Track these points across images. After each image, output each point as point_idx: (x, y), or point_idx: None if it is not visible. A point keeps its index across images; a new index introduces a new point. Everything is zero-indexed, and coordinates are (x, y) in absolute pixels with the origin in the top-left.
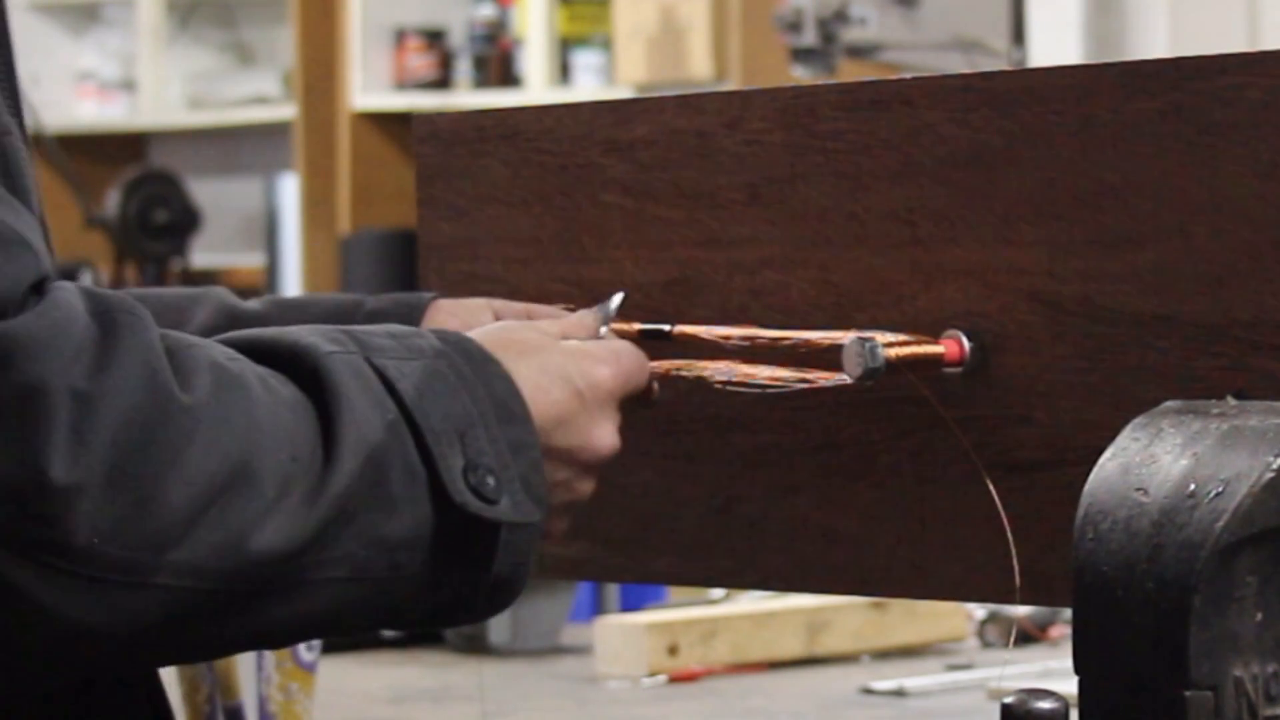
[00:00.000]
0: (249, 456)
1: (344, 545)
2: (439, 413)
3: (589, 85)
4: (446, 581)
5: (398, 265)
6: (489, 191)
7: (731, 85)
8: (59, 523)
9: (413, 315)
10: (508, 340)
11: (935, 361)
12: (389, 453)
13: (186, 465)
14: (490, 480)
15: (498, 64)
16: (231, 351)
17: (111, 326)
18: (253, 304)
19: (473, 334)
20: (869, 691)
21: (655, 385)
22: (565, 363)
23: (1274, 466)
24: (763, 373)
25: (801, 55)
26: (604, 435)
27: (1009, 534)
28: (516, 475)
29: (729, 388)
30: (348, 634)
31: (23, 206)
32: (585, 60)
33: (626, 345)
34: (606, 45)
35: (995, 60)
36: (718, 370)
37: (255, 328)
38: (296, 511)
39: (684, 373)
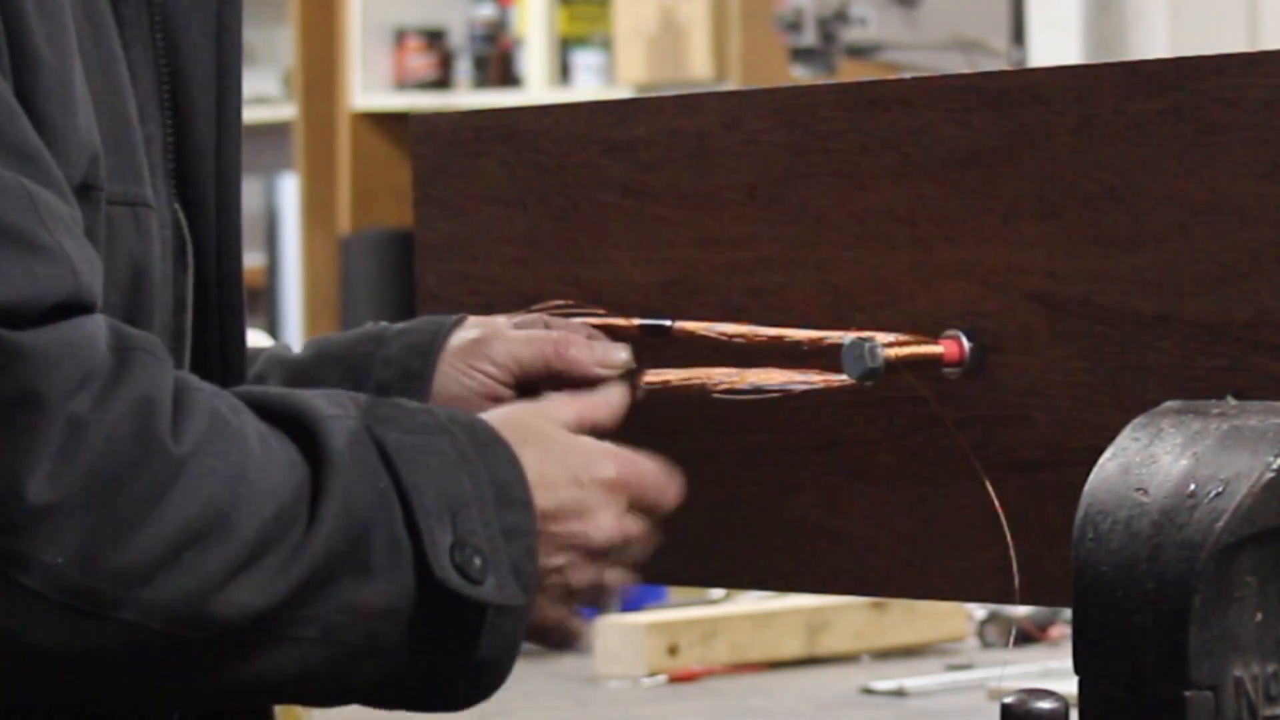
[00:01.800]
0: (230, 509)
1: (317, 607)
2: (433, 488)
3: (589, 85)
4: (426, 659)
5: (397, 265)
6: (487, 191)
7: (731, 85)
8: (30, 538)
9: (439, 334)
10: (516, 424)
11: (935, 361)
12: (375, 521)
13: (164, 508)
14: (477, 560)
15: (498, 64)
16: (238, 404)
17: (126, 362)
18: (298, 353)
19: (485, 416)
20: (869, 691)
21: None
22: (569, 455)
23: (1274, 466)
24: (762, 374)
25: (801, 55)
26: (603, 525)
27: (1009, 534)
28: (507, 559)
29: (730, 395)
30: (321, 703)
31: (93, 251)
32: (585, 60)
33: (641, 456)
34: (606, 45)
35: (995, 60)
36: (719, 376)
37: (294, 375)
38: (274, 569)
39: (688, 382)
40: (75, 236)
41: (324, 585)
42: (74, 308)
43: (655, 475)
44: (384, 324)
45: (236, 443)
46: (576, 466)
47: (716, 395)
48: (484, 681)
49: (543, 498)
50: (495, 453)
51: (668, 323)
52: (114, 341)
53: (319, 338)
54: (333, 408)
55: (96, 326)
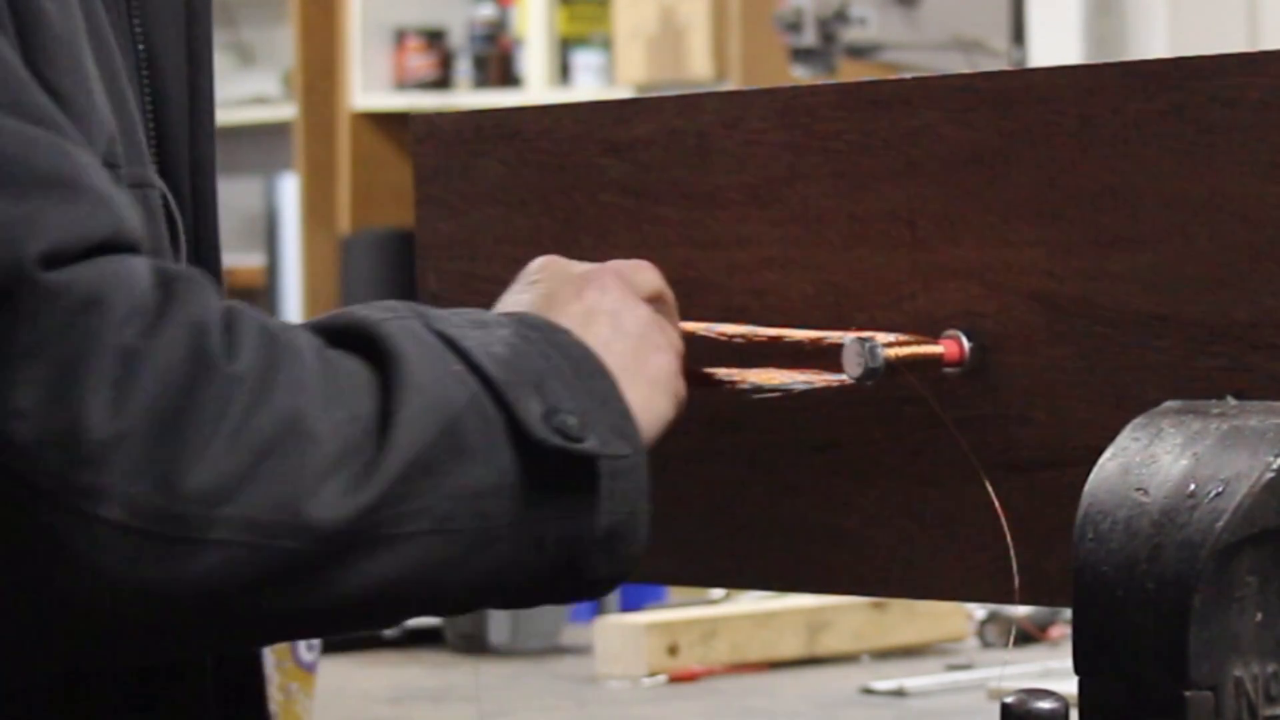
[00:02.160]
0: (300, 416)
1: (422, 498)
2: (509, 366)
3: (589, 85)
4: (548, 533)
5: (397, 265)
6: (487, 191)
7: (731, 85)
8: (102, 470)
9: None
10: (560, 313)
11: (935, 361)
12: (459, 402)
13: (231, 424)
14: (572, 420)
15: (498, 64)
16: (287, 323)
17: (171, 292)
18: None
19: (522, 307)
20: (869, 691)
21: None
22: (615, 314)
23: (1274, 466)
24: (762, 374)
25: (801, 55)
26: (664, 361)
27: (1008, 534)
28: (604, 422)
29: (731, 390)
30: (459, 602)
31: (124, 191)
32: (585, 60)
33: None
34: (606, 45)
35: (995, 60)
36: (719, 376)
37: None
38: (362, 467)
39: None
40: (109, 181)
41: (423, 475)
42: (117, 246)
43: (643, 268)
44: None
45: (292, 354)
46: (618, 312)
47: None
48: (619, 551)
49: (615, 361)
50: (556, 334)
51: None
52: (158, 277)
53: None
54: (383, 312)
55: (140, 262)
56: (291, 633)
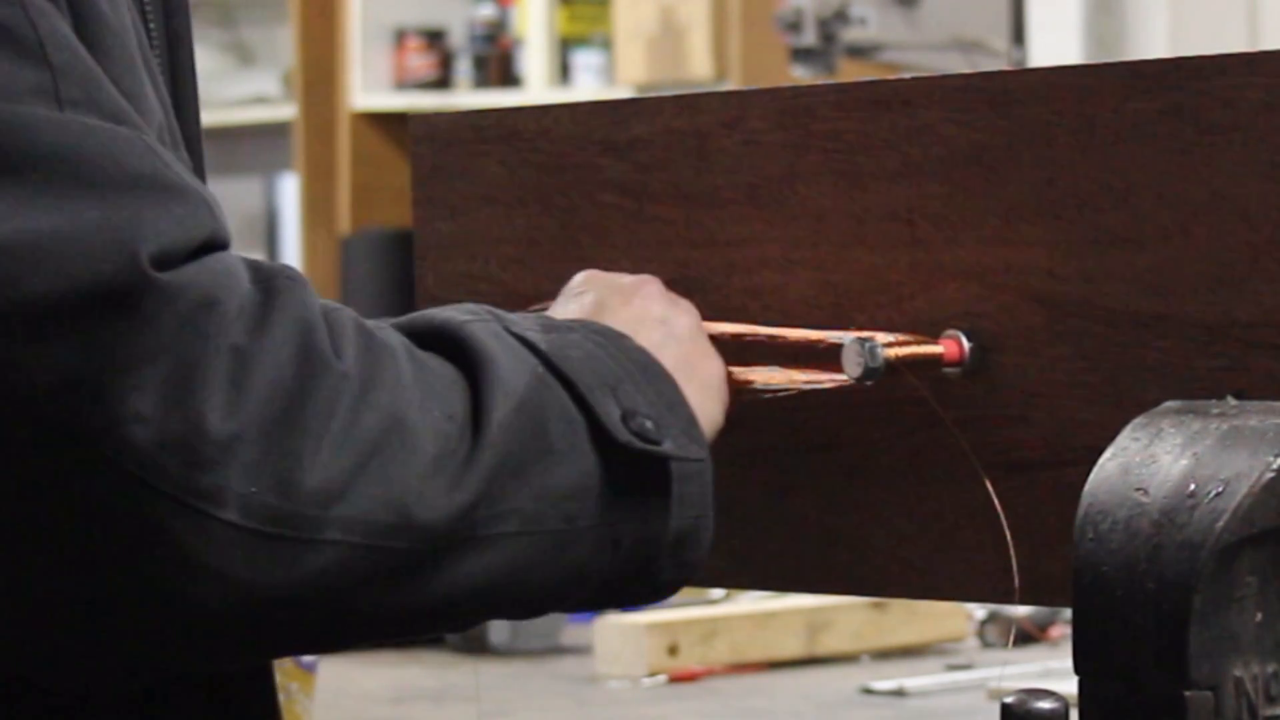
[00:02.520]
0: (403, 415)
1: (511, 499)
2: (586, 369)
3: (589, 85)
4: (625, 535)
5: (397, 265)
6: (486, 191)
7: (731, 85)
8: (219, 471)
9: None
10: (613, 319)
11: (935, 361)
12: (544, 405)
13: (340, 422)
14: (649, 424)
15: (498, 64)
16: (378, 321)
17: (272, 290)
18: None
19: (574, 315)
20: (869, 691)
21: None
22: (664, 315)
23: (1274, 466)
24: (762, 373)
25: (801, 55)
26: (714, 367)
27: (1009, 534)
28: (676, 425)
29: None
30: (538, 604)
31: (206, 187)
32: (585, 60)
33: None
34: (606, 45)
35: (995, 60)
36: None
37: None
38: (459, 467)
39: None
40: (196, 179)
41: (514, 475)
42: (215, 245)
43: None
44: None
45: (389, 353)
46: (669, 319)
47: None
48: (685, 556)
49: (670, 363)
50: (624, 341)
51: None
52: (254, 274)
53: None
54: (465, 315)
55: (237, 260)
56: (389, 632)
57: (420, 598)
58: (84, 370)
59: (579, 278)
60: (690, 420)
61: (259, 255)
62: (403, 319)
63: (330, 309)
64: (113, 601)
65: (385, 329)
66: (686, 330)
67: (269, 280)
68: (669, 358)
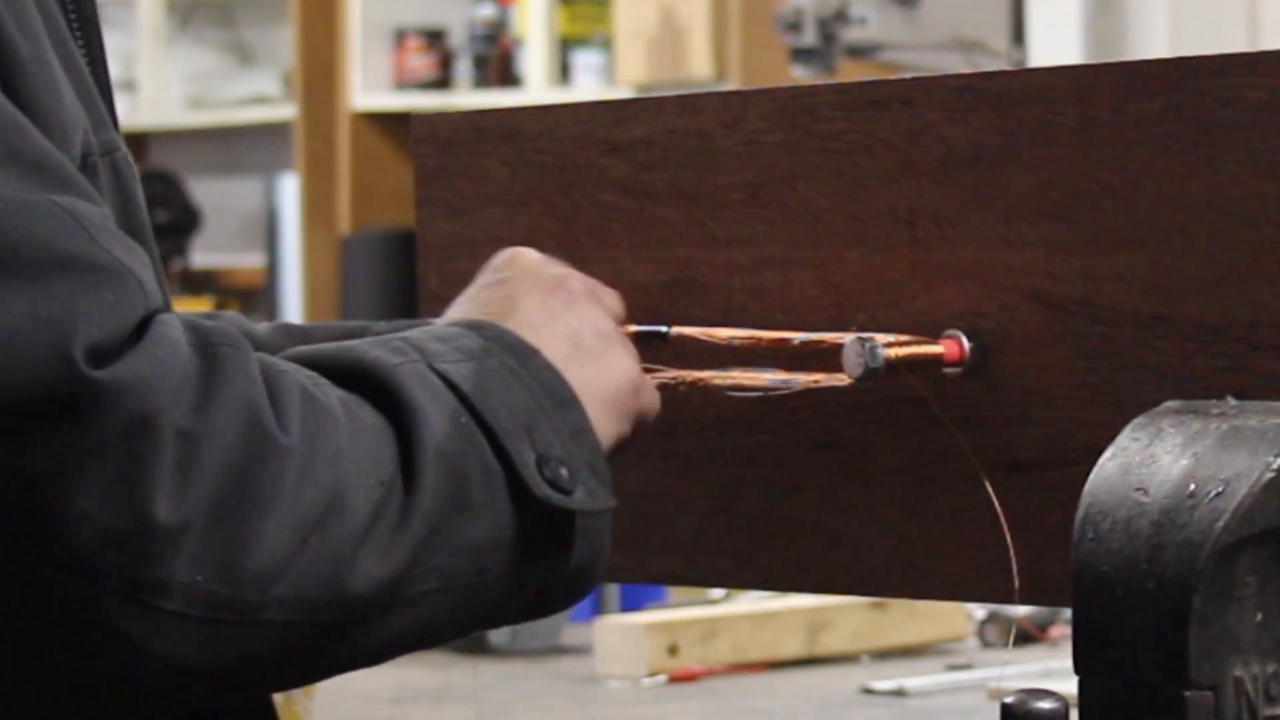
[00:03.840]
0: (341, 486)
1: (433, 558)
2: (504, 410)
3: (589, 85)
4: (530, 579)
5: (398, 265)
6: (488, 191)
7: (731, 85)
8: (165, 563)
9: None
10: (524, 321)
11: (935, 362)
12: (467, 459)
13: (285, 500)
14: (564, 471)
15: (498, 64)
16: (314, 375)
17: (214, 361)
18: (261, 328)
19: (496, 322)
20: (869, 691)
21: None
22: (572, 323)
23: (1274, 466)
24: (763, 374)
25: (801, 55)
26: (622, 365)
27: (1008, 534)
28: (584, 462)
29: (730, 393)
30: (435, 645)
31: (131, 240)
32: (585, 60)
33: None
34: (606, 45)
35: (995, 60)
36: (718, 377)
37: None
38: (389, 535)
39: (684, 379)
40: (119, 238)
41: (436, 533)
42: (148, 318)
43: (607, 292)
44: (359, 324)
45: (330, 418)
46: (579, 330)
47: (717, 385)
48: (578, 587)
49: (574, 381)
50: (534, 361)
51: (664, 329)
52: (193, 339)
53: (279, 324)
54: (394, 356)
55: (175, 330)
56: (303, 683)
57: (343, 658)
58: (25, 471)
59: (502, 256)
60: (594, 449)
61: (259, 255)
62: (328, 349)
63: (274, 375)
64: (58, 688)
65: (323, 384)
66: (596, 339)
67: (210, 347)
68: (575, 376)
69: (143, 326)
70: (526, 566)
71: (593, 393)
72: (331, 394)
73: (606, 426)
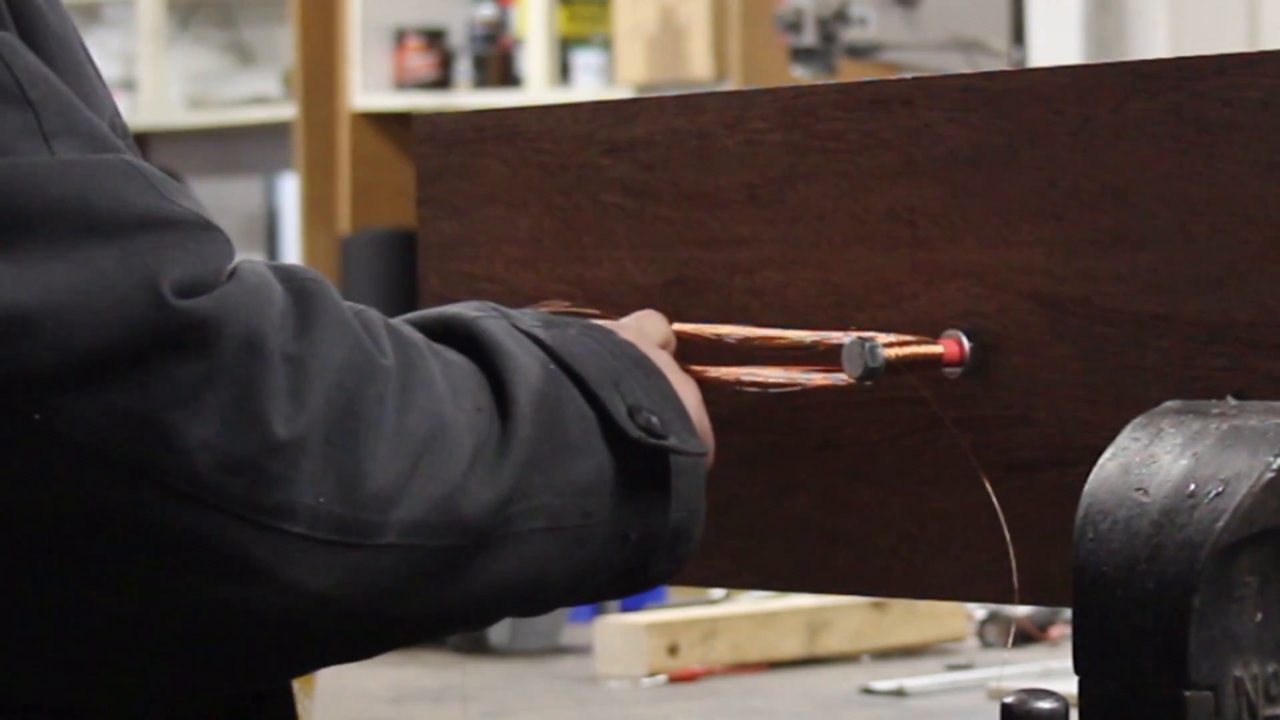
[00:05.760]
0: (441, 411)
1: (540, 494)
2: (591, 365)
3: (589, 85)
4: (632, 529)
5: (398, 265)
6: (489, 191)
7: (731, 85)
8: (287, 485)
9: None
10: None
11: (935, 361)
12: (559, 399)
13: (391, 423)
14: (654, 419)
15: (498, 64)
16: (393, 320)
17: (303, 294)
18: None
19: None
20: (869, 691)
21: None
22: (640, 329)
23: (1274, 466)
24: (762, 373)
25: (801, 55)
26: (691, 385)
27: (1008, 534)
28: (676, 420)
29: (729, 389)
30: (554, 599)
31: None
32: (585, 60)
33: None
34: (606, 45)
35: (995, 60)
36: (718, 375)
37: None
38: (493, 462)
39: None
40: (184, 193)
41: (540, 469)
42: (231, 259)
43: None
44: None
45: (416, 349)
46: (657, 345)
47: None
48: (680, 549)
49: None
50: (612, 336)
51: None
52: (283, 279)
53: None
54: (474, 310)
55: (262, 268)
56: (426, 634)
57: (459, 596)
58: (143, 410)
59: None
60: (684, 413)
61: (259, 255)
62: (413, 315)
63: (357, 308)
64: (185, 626)
65: (405, 326)
66: (665, 357)
67: (299, 283)
68: (657, 359)
69: (234, 269)
70: (627, 514)
71: (677, 379)
72: (416, 333)
73: (701, 411)
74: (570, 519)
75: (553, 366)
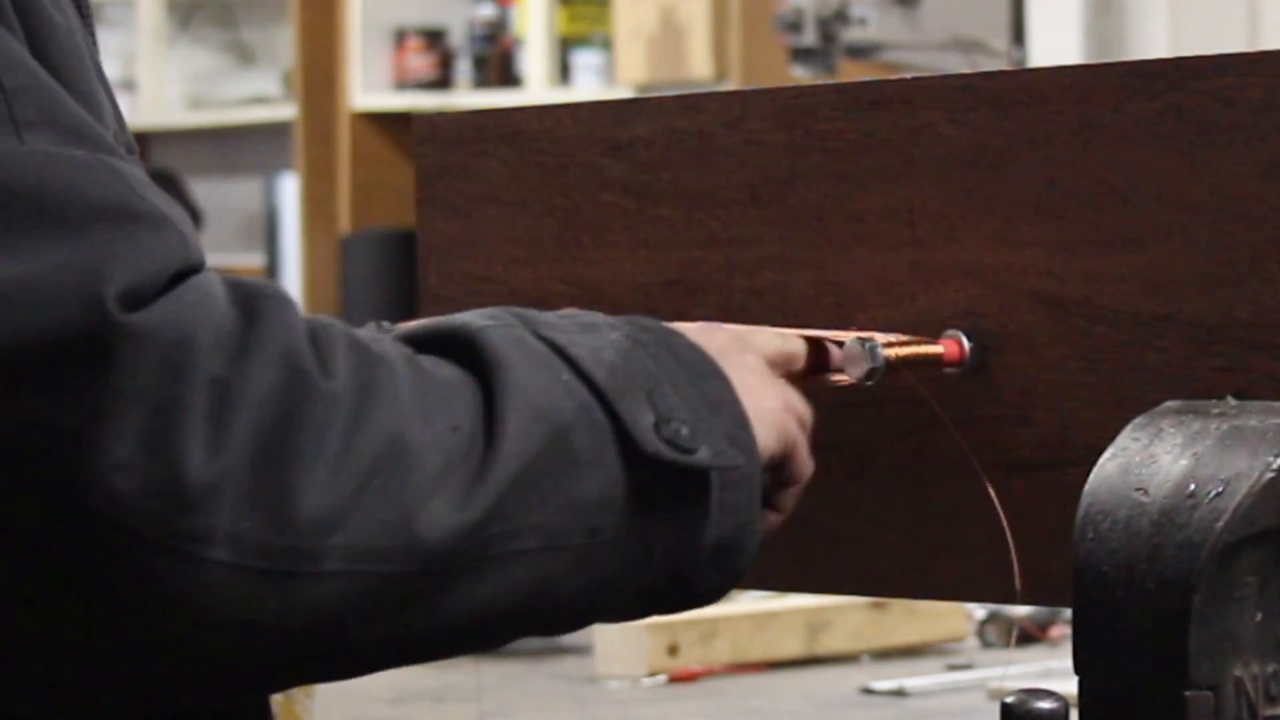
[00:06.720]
0: (400, 431)
1: (532, 514)
2: (620, 373)
3: (589, 85)
4: (657, 545)
5: (398, 265)
6: (489, 191)
7: (731, 85)
8: (206, 512)
9: None
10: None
11: (935, 361)
12: (567, 412)
13: (334, 446)
14: (684, 430)
15: (498, 64)
16: (373, 334)
17: (253, 312)
18: None
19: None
20: (869, 691)
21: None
22: (734, 333)
23: (1274, 466)
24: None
25: (801, 55)
26: (792, 397)
27: (1009, 534)
28: (718, 429)
29: None
30: (570, 618)
31: (172, 199)
32: (585, 60)
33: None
34: (606, 45)
35: (995, 60)
36: None
37: None
38: (467, 482)
39: None
40: (160, 194)
41: (531, 489)
42: (188, 270)
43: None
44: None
45: (385, 366)
46: (748, 342)
47: None
48: (728, 563)
49: (735, 377)
50: (670, 337)
51: None
52: (234, 295)
53: None
54: (484, 320)
55: (214, 283)
56: (397, 661)
57: (430, 622)
58: (61, 420)
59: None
60: (738, 420)
61: (259, 255)
62: (423, 323)
63: (320, 326)
64: (105, 650)
65: (383, 340)
66: (751, 362)
67: (250, 300)
68: (733, 366)
69: (181, 275)
70: (650, 530)
71: (750, 390)
72: (390, 346)
73: (772, 419)
74: (572, 537)
75: (567, 375)
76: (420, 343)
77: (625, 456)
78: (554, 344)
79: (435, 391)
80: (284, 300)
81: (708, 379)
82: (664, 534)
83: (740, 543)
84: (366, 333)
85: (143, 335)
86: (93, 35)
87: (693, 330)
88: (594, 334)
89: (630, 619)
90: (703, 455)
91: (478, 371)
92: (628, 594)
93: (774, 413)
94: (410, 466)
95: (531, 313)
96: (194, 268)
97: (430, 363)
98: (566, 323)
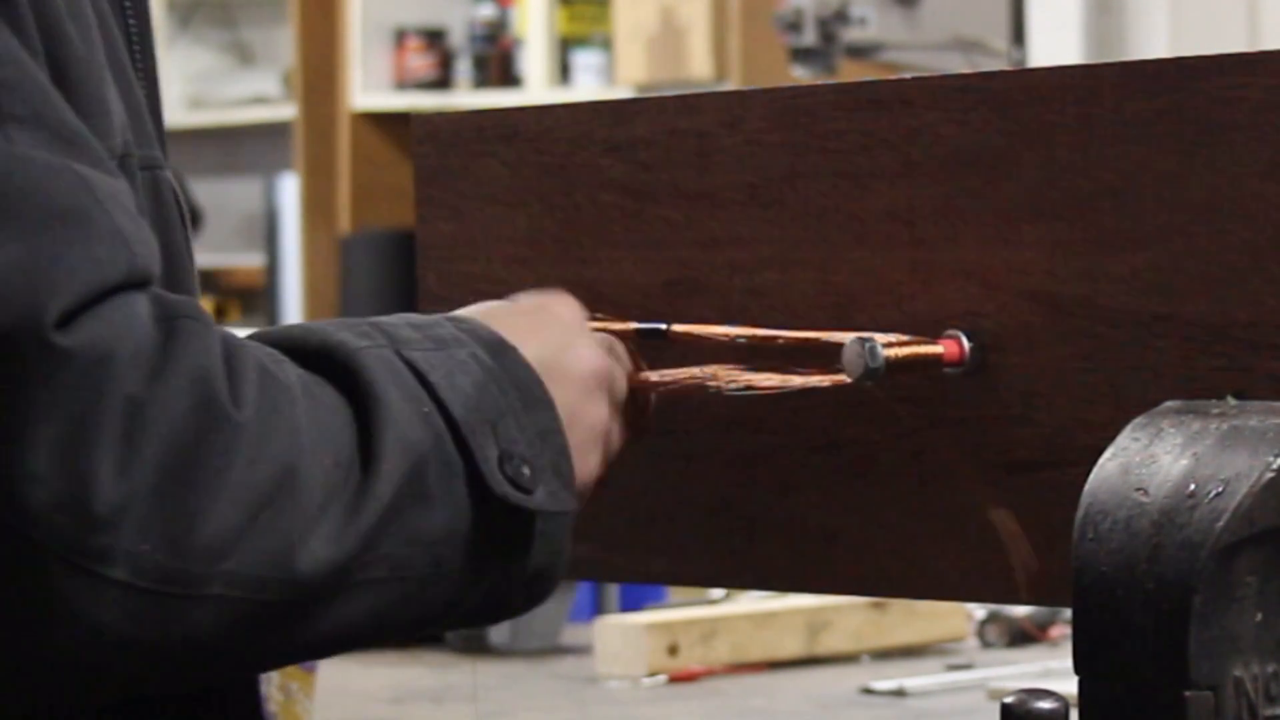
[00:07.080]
0: (295, 464)
1: (386, 545)
2: (471, 404)
3: (589, 85)
4: (486, 576)
5: (397, 265)
6: (488, 192)
7: (731, 85)
8: (111, 531)
9: None
10: (510, 325)
11: (935, 361)
12: (426, 449)
13: (235, 475)
14: (525, 470)
15: (498, 64)
16: (275, 353)
17: (173, 333)
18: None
19: (477, 318)
20: (869, 691)
21: (651, 406)
22: (562, 350)
23: (1274, 466)
24: (762, 375)
25: (801, 55)
26: (601, 412)
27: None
28: (547, 463)
29: (728, 393)
30: (390, 639)
31: (144, 221)
32: (585, 60)
33: (612, 342)
34: (606, 45)
35: (995, 60)
36: (717, 377)
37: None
38: (342, 518)
39: (682, 382)
40: (129, 212)
41: (390, 522)
42: (128, 285)
43: (625, 359)
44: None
45: (287, 395)
46: (570, 360)
47: (714, 387)
48: (537, 590)
49: (555, 392)
50: (510, 357)
51: (663, 326)
52: (157, 311)
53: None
54: (359, 339)
55: (139, 302)
56: (255, 671)
57: (292, 644)
58: None
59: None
60: (560, 451)
61: (259, 255)
62: (295, 329)
63: (233, 349)
64: (2, 657)
65: (284, 362)
66: (579, 377)
67: (171, 320)
68: (552, 382)
69: (116, 290)
70: (483, 563)
71: (572, 421)
72: (291, 372)
73: (588, 456)
74: (418, 568)
75: (427, 409)
76: (301, 354)
77: (473, 494)
78: (416, 369)
79: (323, 420)
80: (204, 322)
81: (539, 407)
82: (495, 565)
83: (552, 570)
84: (268, 353)
85: (68, 354)
86: (134, 33)
87: (524, 328)
88: (446, 353)
89: (444, 631)
90: (539, 497)
91: (354, 397)
92: (454, 616)
93: (592, 430)
94: (297, 501)
95: (389, 324)
96: (137, 283)
97: (318, 388)
98: (419, 337)
